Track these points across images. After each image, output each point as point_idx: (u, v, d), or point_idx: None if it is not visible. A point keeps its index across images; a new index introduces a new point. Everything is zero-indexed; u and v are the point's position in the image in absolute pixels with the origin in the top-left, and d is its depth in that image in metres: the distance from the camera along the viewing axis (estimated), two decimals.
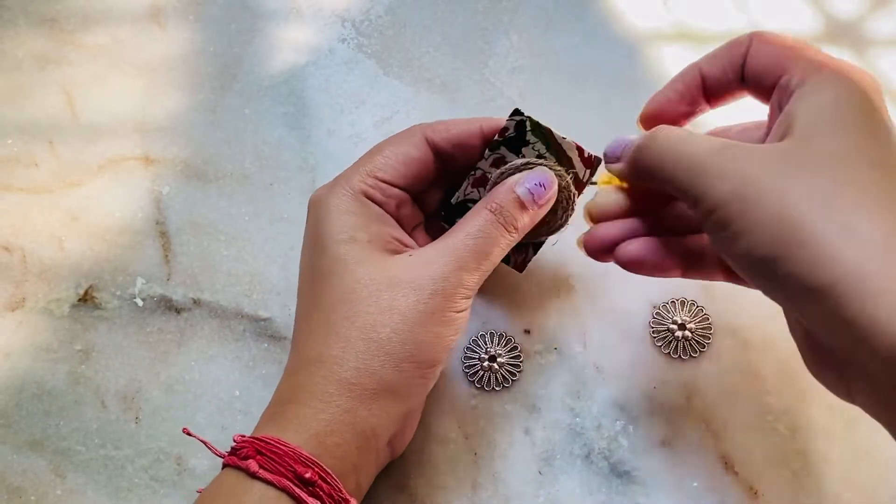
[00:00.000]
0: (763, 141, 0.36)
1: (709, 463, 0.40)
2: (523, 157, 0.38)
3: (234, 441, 0.33)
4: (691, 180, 0.31)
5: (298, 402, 0.34)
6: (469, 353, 0.42)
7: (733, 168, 0.30)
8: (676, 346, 0.42)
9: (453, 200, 0.40)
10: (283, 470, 0.32)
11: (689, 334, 0.42)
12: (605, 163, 0.38)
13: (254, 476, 0.32)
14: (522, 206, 0.36)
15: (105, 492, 0.40)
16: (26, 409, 0.42)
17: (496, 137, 0.38)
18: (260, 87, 0.48)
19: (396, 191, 0.38)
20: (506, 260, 0.40)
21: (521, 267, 0.41)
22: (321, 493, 0.32)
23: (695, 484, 0.40)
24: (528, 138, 0.38)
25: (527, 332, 0.43)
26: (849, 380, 0.30)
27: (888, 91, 0.48)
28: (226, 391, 0.42)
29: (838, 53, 0.48)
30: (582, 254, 0.38)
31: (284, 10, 0.50)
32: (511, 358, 0.42)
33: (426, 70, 0.49)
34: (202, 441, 0.35)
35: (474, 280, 0.35)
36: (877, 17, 0.50)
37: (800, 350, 0.32)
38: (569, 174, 0.38)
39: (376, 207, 0.37)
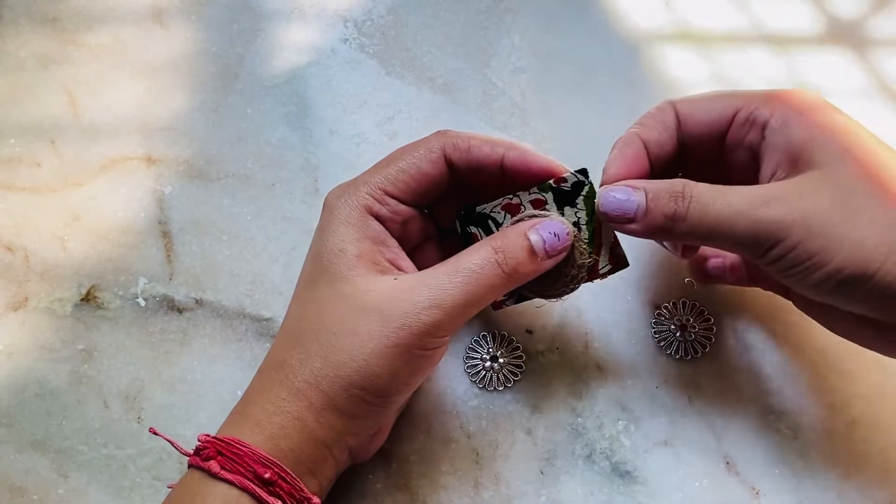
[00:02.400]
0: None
1: (710, 463, 0.40)
2: (562, 215, 0.36)
3: (199, 440, 0.34)
4: (751, 234, 0.33)
5: (255, 404, 0.34)
6: (471, 354, 0.42)
7: (792, 211, 0.32)
8: (678, 346, 0.42)
9: (478, 209, 0.38)
10: (243, 470, 0.32)
11: (691, 335, 0.42)
12: (612, 221, 0.35)
13: (215, 476, 0.32)
14: (532, 252, 0.35)
15: (107, 491, 0.40)
16: (29, 409, 0.42)
17: (551, 181, 0.36)
18: (262, 87, 0.48)
19: (404, 207, 0.37)
20: None
21: (498, 305, 0.39)
22: (281, 492, 0.32)
23: (696, 484, 0.40)
24: (577, 201, 0.36)
25: (529, 331, 0.43)
26: None
27: (888, 92, 0.48)
28: (228, 391, 0.42)
29: (839, 53, 0.49)
30: (602, 256, 0.38)
31: (286, 10, 0.50)
32: (513, 358, 0.42)
33: (428, 70, 0.49)
34: (168, 440, 0.36)
35: (452, 323, 0.34)
36: (878, 18, 0.50)
37: (865, 343, 0.36)
38: (590, 258, 0.37)
39: (377, 224, 0.36)
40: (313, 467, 0.34)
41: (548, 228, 0.35)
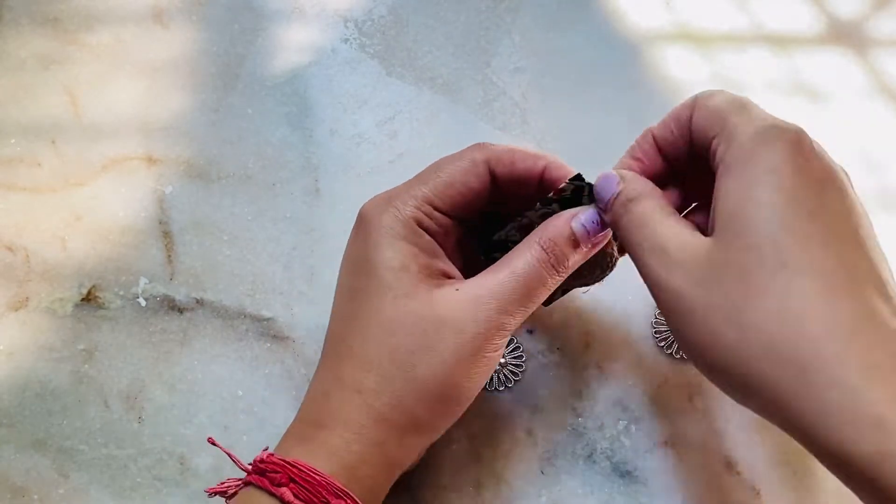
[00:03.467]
0: None
1: (711, 463, 0.40)
2: None
3: (263, 458, 0.33)
4: (646, 277, 0.32)
5: (331, 430, 0.33)
6: None
7: (671, 278, 0.30)
8: (679, 346, 0.42)
9: (496, 237, 0.38)
10: (315, 500, 0.32)
11: None
12: (597, 200, 0.36)
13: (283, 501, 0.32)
14: (575, 243, 0.35)
15: (108, 491, 0.40)
16: (29, 409, 0.42)
17: (551, 195, 0.36)
18: (262, 87, 0.48)
19: (448, 220, 0.37)
20: None
21: (547, 302, 0.39)
22: None
23: (697, 484, 0.40)
24: (583, 202, 0.37)
25: (529, 331, 0.43)
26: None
27: (888, 92, 0.48)
28: (228, 391, 0.42)
29: (840, 54, 0.49)
30: None
31: (287, 10, 0.50)
32: (513, 358, 0.42)
33: (428, 70, 0.49)
34: (227, 453, 0.35)
35: (515, 321, 0.35)
36: (878, 18, 0.50)
37: None
38: (617, 239, 0.37)
39: (428, 238, 0.36)
40: (386, 487, 0.35)
41: (589, 217, 0.35)
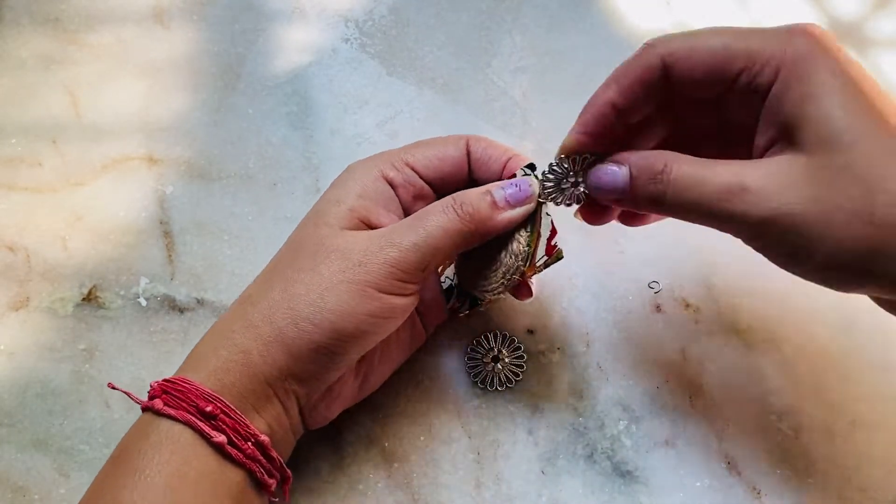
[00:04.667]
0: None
1: (712, 463, 0.40)
2: None
3: (150, 386, 0.34)
4: (729, 226, 0.31)
5: (206, 342, 0.35)
6: (472, 354, 0.42)
7: (765, 207, 0.30)
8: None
9: None
10: (185, 405, 0.32)
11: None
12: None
13: (160, 414, 0.33)
14: (492, 202, 0.35)
15: None
16: (30, 409, 0.42)
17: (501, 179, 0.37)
18: (263, 87, 0.48)
19: (420, 182, 0.38)
20: (447, 294, 0.40)
21: (454, 311, 0.40)
22: (225, 427, 0.32)
23: (698, 484, 0.40)
24: None
25: (530, 331, 0.43)
26: None
27: (889, 92, 0.48)
28: None
29: None
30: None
31: (288, 10, 0.50)
32: (514, 358, 0.42)
33: (429, 70, 0.49)
34: (124, 392, 0.36)
35: (410, 263, 0.34)
36: (878, 17, 0.50)
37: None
38: (527, 246, 0.37)
39: (387, 189, 0.37)
40: (257, 405, 0.34)
41: (511, 182, 0.36)
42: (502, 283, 0.37)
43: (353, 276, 0.34)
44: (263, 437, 0.33)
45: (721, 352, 0.42)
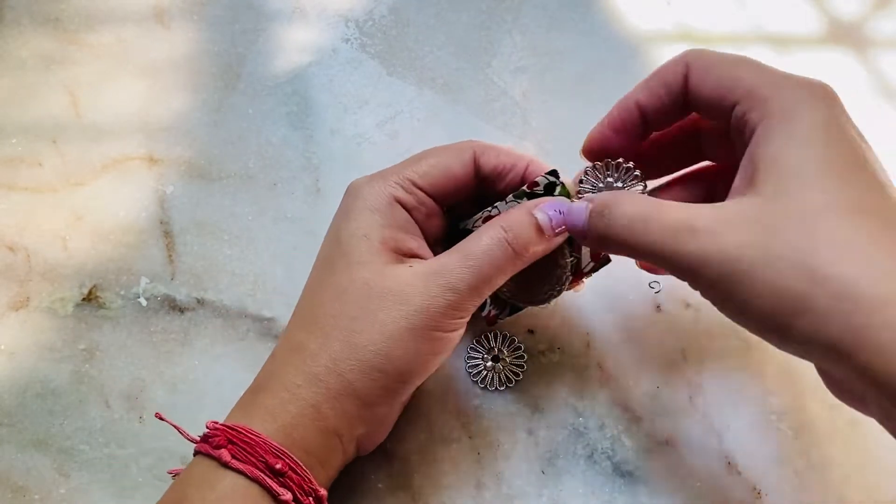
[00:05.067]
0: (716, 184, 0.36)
1: (712, 463, 0.40)
2: None
3: (207, 428, 0.34)
4: (672, 266, 0.31)
5: (268, 391, 0.34)
6: (472, 354, 0.42)
7: (710, 248, 0.29)
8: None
9: (461, 225, 0.39)
10: (254, 460, 0.32)
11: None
12: (573, 234, 0.35)
13: (226, 465, 0.32)
14: (539, 230, 0.35)
15: (109, 491, 0.40)
16: (30, 409, 0.42)
17: (524, 187, 0.37)
18: (263, 87, 0.48)
19: (430, 201, 0.37)
20: (481, 306, 0.39)
21: (492, 320, 0.40)
22: (291, 483, 0.32)
23: (698, 484, 0.40)
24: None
25: (530, 331, 0.43)
26: (866, 404, 0.30)
27: (889, 92, 0.48)
28: (229, 391, 0.42)
29: (840, 54, 0.49)
30: (584, 254, 0.38)
31: (288, 10, 0.50)
32: (514, 358, 0.42)
33: (429, 70, 0.49)
34: (175, 426, 0.35)
35: (468, 302, 0.34)
36: (878, 18, 0.50)
37: (822, 379, 0.33)
38: (571, 257, 0.37)
39: (403, 212, 0.37)
40: (323, 458, 0.34)
41: (551, 206, 0.35)
42: (550, 293, 0.38)
43: (416, 323, 0.34)
44: (323, 492, 0.33)
45: (721, 352, 0.42)
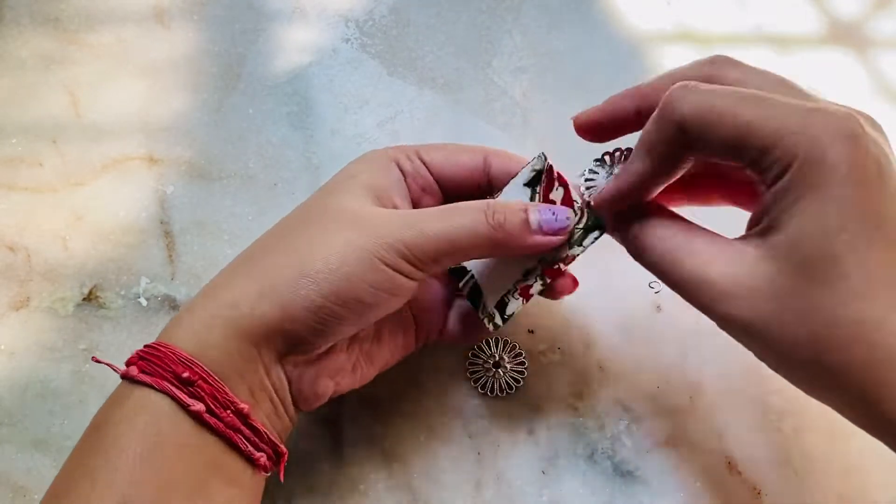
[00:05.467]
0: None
1: (712, 463, 0.40)
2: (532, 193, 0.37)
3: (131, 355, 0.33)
4: (704, 309, 0.32)
5: (193, 298, 0.33)
6: (473, 360, 0.42)
7: (738, 312, 0.30)
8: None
9: None
10: (161, 371, 0.31)
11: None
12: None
13: (136, 382, 0.31)
14: (525, 221, 0.34)
15: None
16: (30, 409, 0.42)
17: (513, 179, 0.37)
18: (264, 87, 0.48)
19: (429, 176, 0.37)
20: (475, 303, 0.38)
21: (494, 325, 0.38)
22: (203, 394, 0.31)
23: (698, 484, 0.40)
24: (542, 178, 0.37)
25: (530, 331, 0.43)
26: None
27: (889, 92, 0.48)
28: None
29: (840, 54, 0.49)
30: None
31: (288, 9, 0.50)
32: (515, 364, 0.42)
33: (430, 70, 0.49)
34: (107, 364, 0.34)
35: (425, 249, 0.33)
36: (878, 18, 0.50)
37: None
38: (539, 281, 0.37)
39: (398, 174, 0.37)
40: (240, 367, 0.32)
41: (550, 207, 0.35)
42: (492, 308, 0.37)
43: (364, 244, 0.32)
44: (243, 405, 0.31)
45: (721, 352, 0.42)
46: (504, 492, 0.40)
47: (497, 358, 0.42)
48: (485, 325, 0.38)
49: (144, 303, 0.44)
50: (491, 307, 0.38)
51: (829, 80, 0.48)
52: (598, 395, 0.42)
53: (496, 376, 0.41)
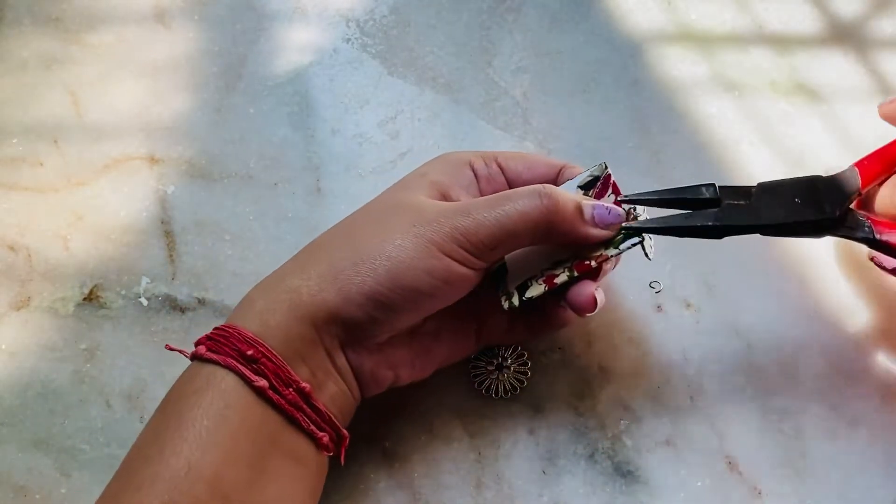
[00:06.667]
0: None
1: (712, 463, 0.40)
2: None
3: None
4: None
5: (259, 283, 0.35)
6: (475, 362, 0.41)
7: None
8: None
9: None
10: (227, 349, 0.32)
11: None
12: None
13: (204, 360, 0.33)
14: (578, 209, 0.35)
15: None
16: (31, 408, 0.42)
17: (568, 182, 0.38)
18: (264, 87, 0.48)
19: (503, 180, 0.38)
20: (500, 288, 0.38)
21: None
22: (266, 370, 0.32)
23: (698, 483, 0.40)
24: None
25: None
26: None
27: (889, 92, 0.48)
28: None
29: (840, 54, 0.49)
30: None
31: (289, 9, 0.50)
32: (518, 365, 0.42)
33: (430, 70, 0.49)
34: (178, 350, 0.35)
35: (480, 235, 0.33)
36: (878, 18, 0.50)
37: None
38: (566, 272, 0.37)
39: (471, 175, 0.38)
40: (302, 350, 0.33)
41: (602, 203, 0.36)
42: (525, 282, 0.37)
43: (420, 231, 0.33)
44: (304, 385, 0.33)
45: (721, 352, 0.42)
46: (504, 492, 0.40)
47: (500, 360, 0.41)
48: (501, 302, 0.38)
49: (145, 302, 0.44)
50: (511, 287, 0.38)
51: (829, 80, 0.48)
52: (598, 395, 0.42)
53: (499, 378, 0.41)
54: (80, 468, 0.41)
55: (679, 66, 0.49)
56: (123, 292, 0.44)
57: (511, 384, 0.41)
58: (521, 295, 0.37)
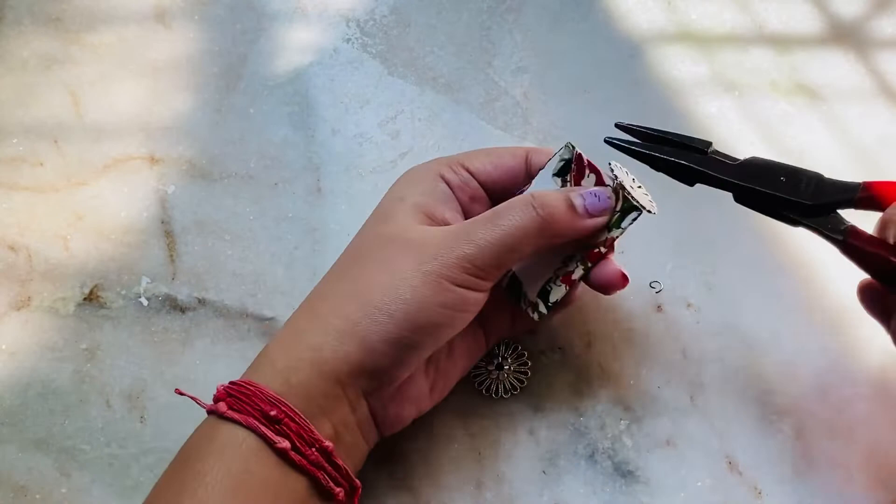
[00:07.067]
0: None
1: (713, 463, 0.40)
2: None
3: (217, 389, 0.34)
4: None
5: (276, 340, 0.35)
6: (476, 363, 0.41)
7: None
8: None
9: None
10: (249, 409, 0.32)
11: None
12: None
13: (224, 418, 0.32)
14: (570, 206, 0.35)
15: (110, 491, 0.40)
16: (31, 408, 0.42)
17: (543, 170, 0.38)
18: (265, 87, 0.48)
19: (475, 184, 0.38)
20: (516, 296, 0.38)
21: (540, 316, 0.38)
22: (289, 431, 0.32)
23: (699, 484, 0.40)
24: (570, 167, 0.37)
25: (531, 331, 0.43)
26: None
27: (889, 92, 0.48)
28: None
29: (840, 54, 0.49)
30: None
31: (289, 9, 0.50)
32: (518, 365, 0.42)
33: (430, 69, 0.49)
34: (191, 398, 0.35)
35: (487, 261, 0.34)
36: (878, 18, 0.50)
37: None
38: (580, 266, 0.37)
39: (445, 188, 0.37)
40: (325, 406, 0.33)
41: (589, 191, 0.36)
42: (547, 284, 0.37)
43: (428, 269, 0.33)
44: (328, 444, 0.33)
45: (721, 352, 0.42)
46: (505, 492, 0.40)
47: (500, 360, 0.41)
48: (529, 314, 0.38)
49: (145, 303, 0.44)
50: (533, 296, 0.38)
51: (829, 80, 0.48)
52: (598, 394, 0.42)
53: (499, 378, 0.41)
54: (80, 468, 0.41)
55: (679, 66, 0.49)
56: (123, 292, 0.44)
57: (511, 384, 0.41)
58: (545, 302, 0.38)
